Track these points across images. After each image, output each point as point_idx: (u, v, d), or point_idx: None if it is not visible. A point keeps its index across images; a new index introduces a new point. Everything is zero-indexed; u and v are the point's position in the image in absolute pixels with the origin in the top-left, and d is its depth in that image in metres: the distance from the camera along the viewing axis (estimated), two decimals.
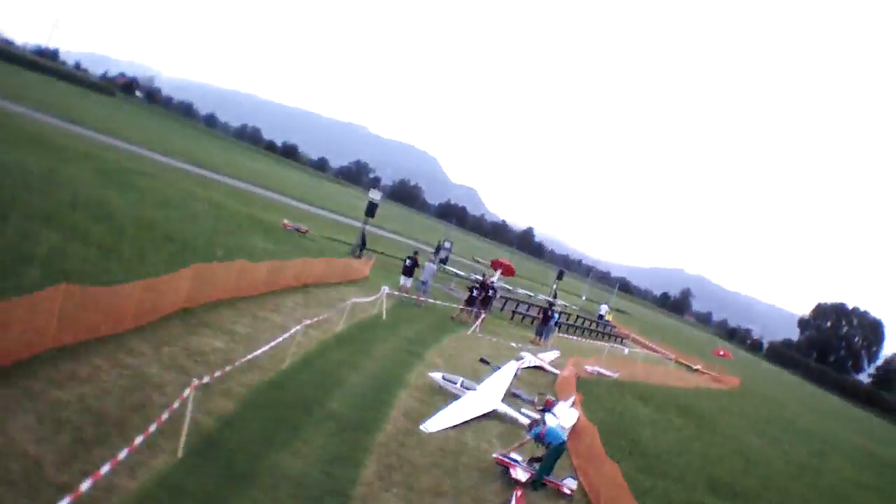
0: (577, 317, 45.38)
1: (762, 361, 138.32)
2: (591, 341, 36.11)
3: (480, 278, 42.30)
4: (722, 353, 60.00)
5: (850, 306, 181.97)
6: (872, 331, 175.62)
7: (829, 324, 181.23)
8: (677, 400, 28.50)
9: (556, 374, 21.72)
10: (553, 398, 17.32)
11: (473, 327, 24.82)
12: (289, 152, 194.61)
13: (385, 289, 20.89)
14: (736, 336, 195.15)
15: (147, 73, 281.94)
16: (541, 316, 30.37)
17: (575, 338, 33.84)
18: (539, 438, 11.65)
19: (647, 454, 16.60)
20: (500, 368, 18.58)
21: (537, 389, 19.12)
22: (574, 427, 14.78)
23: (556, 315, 30.57)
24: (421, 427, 12.14)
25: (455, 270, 38.90)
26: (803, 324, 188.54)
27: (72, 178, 23.40)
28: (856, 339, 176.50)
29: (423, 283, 26.33)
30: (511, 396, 16.76)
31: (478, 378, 17.06)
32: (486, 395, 15.12)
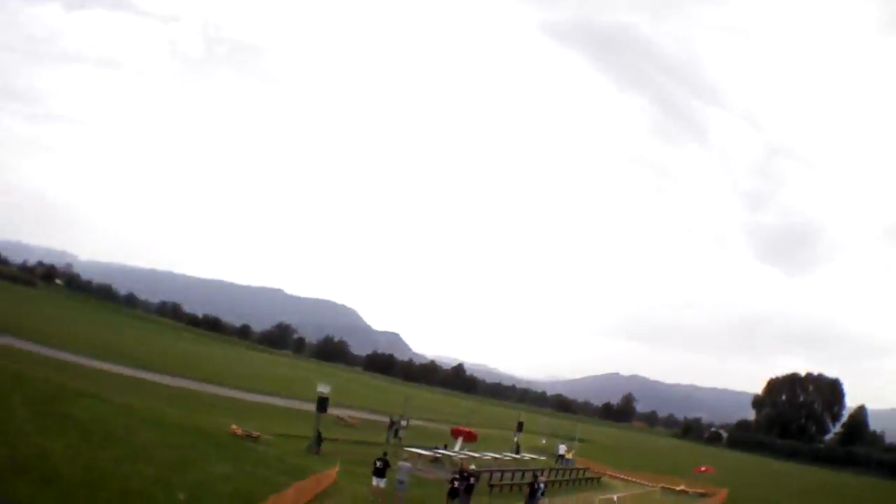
0: (550, 470, 43.76)
1: (729, 452, 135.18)
2: (574, 498, 34.46)
3: (443, 450, 41.00)
4: (703, 469, 60.03)
5: (803, 373, 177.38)
6: (831, 391, 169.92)
7: (784, 397, 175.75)
8: None
9: None
10: None
11: None
12: (213, 325, 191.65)
13: None
14: (692, 431, 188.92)
15: (64, 259, 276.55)
16: (527, 490, 29.00)
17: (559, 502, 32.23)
18: None
19: None
20: None
21: None
22: None
23: (542, 486, 29.29)
24: None
25: (419, 451, 37.37)
26: (758, 403, 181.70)
27: (4, 420, 20.96)
28: (815, 405, 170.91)
29: (401, 482, 24.71)
30: None
31: None
32: None
